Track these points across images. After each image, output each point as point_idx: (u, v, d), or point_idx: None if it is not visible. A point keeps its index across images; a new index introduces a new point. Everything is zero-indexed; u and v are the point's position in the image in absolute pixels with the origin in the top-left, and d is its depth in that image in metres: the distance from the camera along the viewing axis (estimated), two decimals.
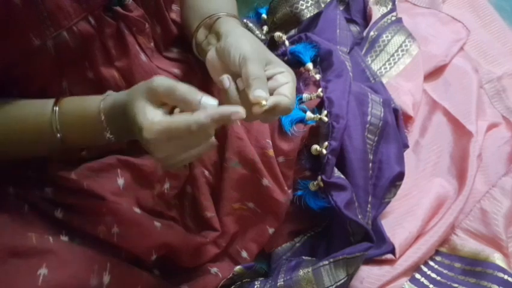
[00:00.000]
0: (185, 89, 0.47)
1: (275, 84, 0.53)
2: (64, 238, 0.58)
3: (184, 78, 0.68)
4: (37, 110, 0.54)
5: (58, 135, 0.54)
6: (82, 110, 0.54)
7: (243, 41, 0.54)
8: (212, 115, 0.45)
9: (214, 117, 0.45)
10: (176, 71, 0.66)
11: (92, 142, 0.57)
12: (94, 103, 0.53)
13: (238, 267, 0.70)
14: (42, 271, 0.52)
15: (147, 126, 0.46)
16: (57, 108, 0.54)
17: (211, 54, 0.57)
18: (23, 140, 0.56)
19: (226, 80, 0.52)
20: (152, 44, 0.63)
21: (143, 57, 0.61)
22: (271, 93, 0.52)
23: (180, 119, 0.46)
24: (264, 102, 0.49)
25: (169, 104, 0.49)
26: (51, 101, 0.54)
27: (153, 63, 0.63)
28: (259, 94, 0.49)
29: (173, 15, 0.67)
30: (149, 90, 0.47)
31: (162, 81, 0.47)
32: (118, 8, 0.57)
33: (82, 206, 0.60)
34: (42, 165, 0.61)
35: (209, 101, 0.46)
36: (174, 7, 0.67)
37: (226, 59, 0.54)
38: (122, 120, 0.50)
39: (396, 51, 1.00)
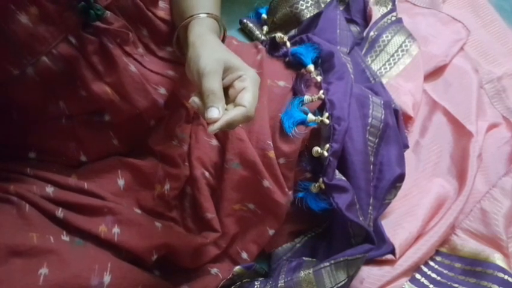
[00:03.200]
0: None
1: (233, 92, 0.53)
2: (65, 238, 0.57)
3: (182, 79, 0.68)
4: None
5: None
6: None
7: (200, 54, 0.54)
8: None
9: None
10: (170, 72, 0.66)
11: None
12: None
13: (237, 267, 0.70)
14: (43, 271, 0.52)
15: None
16: None
17: (186, 67, 0.57)
18: None
19: (195, 103, 0.53)
20: (140, 49, 0.62)
21: (132, 68, 0.60)
22: (232, 101, 0.53)
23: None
24: (215, 126, 0.50)
25: None
26: None
27: (146, 67, 0.62)
28: (210, 116, 0.50)
29: (161, 13, 0.65)
30: None
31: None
32: (98, 23, 0.56)
33: (83, 206, 0.60)
34: (43, 165, 0.61)
35: None
36: (162, 4, 0.65)
37: (190, 74, 0.55)
38: None
39: (396, 51, 1.00)
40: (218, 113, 0.50)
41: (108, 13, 0.56)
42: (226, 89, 0.54)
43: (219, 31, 0.62)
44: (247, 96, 0.52)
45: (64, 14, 0.52)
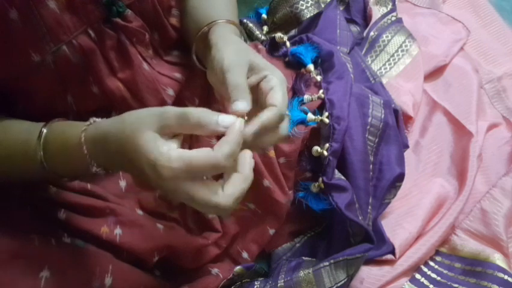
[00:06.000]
0: (200, 112, 0.42)
1: (261, 95, 0.51)
2: (66, 240, 0.58)
3: (187, 82, 0.68)
4: (24, 136, 0.51)
5: (45, 164, 0.50)
6: (63, 140, 0.49)
7: (223, 51, 0.52)
8: (236, 141, 0.42)
9: (238, 141, 0.42)
10: (177, 75, 0.66)
11: (79, 174, 0.54)
12: (76, 133, 0.47)
13: (238, 268, 0.70)
14: (44, 273, 0.52)
15: (164, 164, 0.41)
16: (42, 137, 0.50)
17: (208, 73, 0.56)
18: (9, 165, 0.53)
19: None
20: (150, 51, 0.63)
21: (145, 66, 0.61)
22: (261, 105, 0.50)
23: (204, 154, 0.42)
24: (249, 128, 0.45)
25: (181, 133, 0.44)
26: (39, 127, 0.50)
27: (155, 70, 0.63)
28: (236, 108, 0.46)
29: (173, 21, 0.66)
30: (159, 121, 0.43)
31: (173, 109, 0.43)
32: (118, 20, 0.57)
33: (85, 207, 0.60)
34: None
35: (227, 120, 0.42)
36: (174, 11, 0.66)
37: (214, 73, 0.53)
38: (112, 154, 0.46)
39: (396, 51, 0.99)
40: (245, 105, 0.46)
41: (129, 11, 0.58)
42: (252, 92, 0.50)
43: (241, 37, 0.62)
44: (277, 96, 0.49)
45: (87, 6, 0.53)
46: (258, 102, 0.51)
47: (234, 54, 0.51)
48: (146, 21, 0.61)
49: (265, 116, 0.47)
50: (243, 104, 0.46)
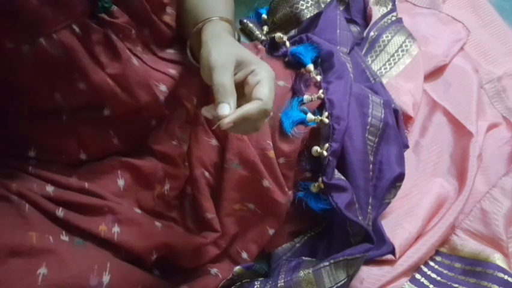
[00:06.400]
0: None
1: (248, 88, 0.52)
2: (64, 238, 0.57)
3: (184, 79, 0.67)
4: None
5: None
6: None
7: (210, 49, 0.53)
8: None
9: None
10: (172, 71, 0.66)
11: None
12: None
13: (237, 268, 0.71)
14: (42, 271, 0.52)
15: None
16: None
17: (201, 69, 0.57)
18: None
19: (206, 113, 0.52)
20: (138, 48, 0.62)
21: (135, 61, 0.60)
22: (249, 98, 0.51)
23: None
24: (228, 118, 0.48)
25: None
26: None
27: (146, 64, 0.63)
28: (221, 112, 0.48)
29: (167, 18, 0.65)
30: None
31: None
32: (104, 15, 0.56)
33: (83, 205, 0.60)
34: (44, 165, 0.61)
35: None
36: (169, 10, 0.66)
37: (203, 74, 0.54)
38: None
39: (397, 51, 1.00)
40: (229, 109, 0.48)
41: (115, 7, 0.57)
42: (240, 87, 0.53)
43: (233, 34, 0.62)
44: (262, 89, 0.51)
45: (73, 0, 0.52)
46: (246, 94, 0.53)
47: (220, 53, 0.52)
48: (134, 18, 0.60)
49: (247, 107, 0.49)
50: (226, 107, 0.49)
